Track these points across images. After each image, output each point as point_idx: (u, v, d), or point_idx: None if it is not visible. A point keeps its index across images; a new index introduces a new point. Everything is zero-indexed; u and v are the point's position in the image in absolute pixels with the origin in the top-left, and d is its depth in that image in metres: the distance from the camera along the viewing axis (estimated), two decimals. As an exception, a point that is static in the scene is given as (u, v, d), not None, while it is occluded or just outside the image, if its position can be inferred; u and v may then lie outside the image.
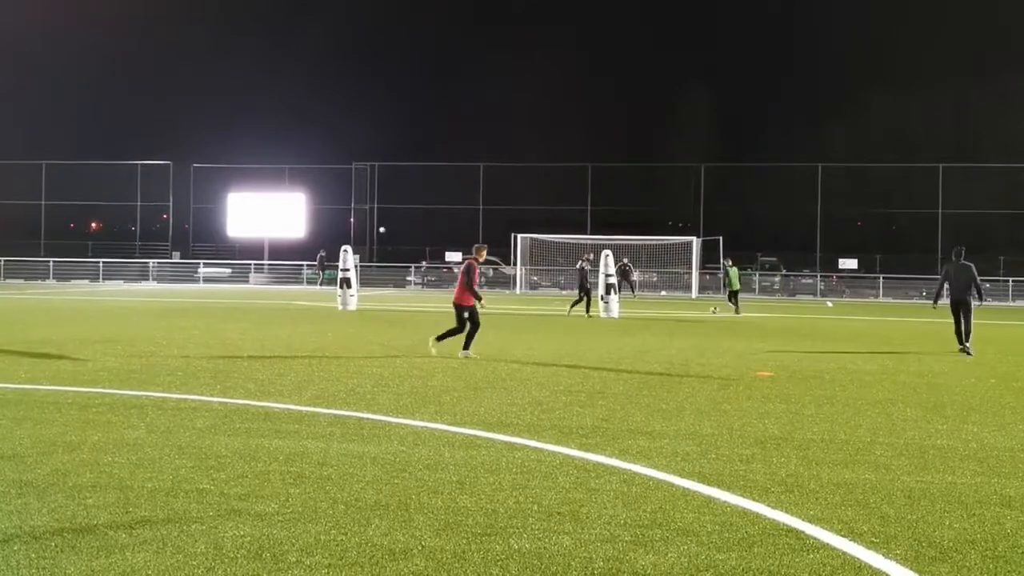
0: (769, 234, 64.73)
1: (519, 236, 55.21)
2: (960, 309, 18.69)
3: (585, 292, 30.65)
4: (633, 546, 5.88)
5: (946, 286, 19.28)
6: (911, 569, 5.58)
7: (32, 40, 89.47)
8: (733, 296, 33.74)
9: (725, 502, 6.99)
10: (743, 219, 64.23)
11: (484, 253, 17.48)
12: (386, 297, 44.67)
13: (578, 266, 32.26)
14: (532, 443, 9.01)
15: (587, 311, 30.27)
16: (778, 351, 18.91)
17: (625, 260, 42.48)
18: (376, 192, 69.11)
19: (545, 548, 5.81)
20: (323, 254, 56.75)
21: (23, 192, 69.59)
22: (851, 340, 22.81)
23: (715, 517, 6.57)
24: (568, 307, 31.80)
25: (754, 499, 7.06)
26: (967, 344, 18.52)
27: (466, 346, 16.83)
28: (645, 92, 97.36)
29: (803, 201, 63.04)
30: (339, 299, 32.56)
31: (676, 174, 71.15)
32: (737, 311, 33.32)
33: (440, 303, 39.35)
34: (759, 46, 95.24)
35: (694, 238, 54.93)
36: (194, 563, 5.42)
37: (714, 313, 34.12)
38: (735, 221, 61.94)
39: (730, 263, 34.94)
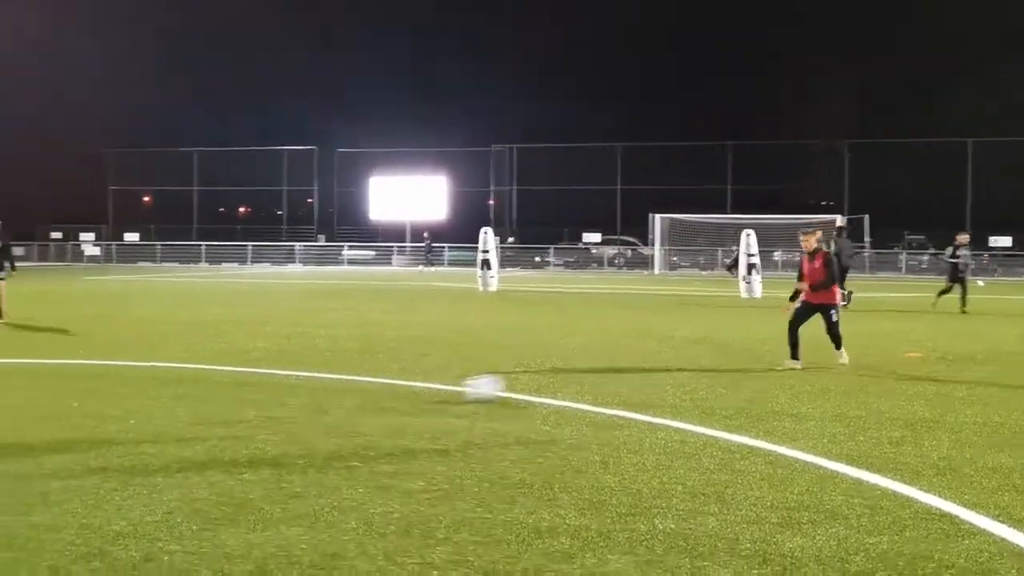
0: (916, 212, 62.67)
1: (657, 216, 54.76)
2: None
3: None
4: (780, 528, 5.81)
5: None
6: (1074, 557, 5.38)
7: (181, 32, 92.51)
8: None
9: (875, 485, 6.84)
10: (889, 196, 62.29)
11: (813, 239, 13.58)
12: (525, 278, 44.90)
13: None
14: (675, 424, 8.97)
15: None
16: (926, 331, 18.36)
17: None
18: (515, 174, 69.39)
19: (691, 529, 5.79)
20: (429, 239, 56.72)
21: (176, 179, 72.17)
22: (1004, 321, 22.00)
23: (864, 500, 6.44)
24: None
25: (905, 482, 6.89)
26: None
27: (795, 354, 13.03)
28: (785, 68, 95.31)
29: (952, 177, 60.91)
30: (479, 280, 32.87)
31: (819, 151, 69.52)
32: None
33: (577, 284, 39.35)
34: (902, 16, 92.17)
35: (838, 216, 53.59)
36: (345, 539, 5.57)
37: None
38: (881, 199, 60.14)
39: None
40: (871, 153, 66.18)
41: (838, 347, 13.19)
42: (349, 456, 7.56)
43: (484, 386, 10.20)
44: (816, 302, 13.20)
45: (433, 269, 52.60)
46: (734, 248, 30.93)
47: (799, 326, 13.12)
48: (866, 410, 9.83)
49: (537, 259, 59.77)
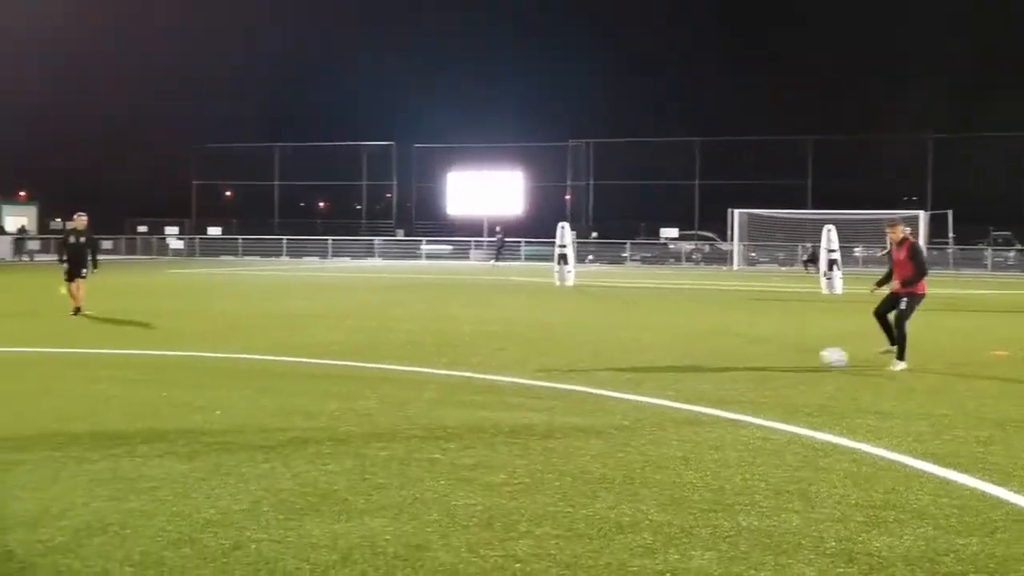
0: (1002, 207, 61.15)
1: (735, 211, 54.25)
2: None
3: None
4: (866, 527, 5.74)
5: None
6: None
7: (262, 30, 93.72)
8: None
9: (963, 485, 6.71)
10: (974, 192, 60.93)
11: (899, 230, 13.10)
12: (602, 273, 44.80)
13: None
14: (757, 420, 8.89)
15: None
16: (1013, 330, 17.95)
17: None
18: (592, 169, 69.23)
19: (774, 526, 5.74)
20: (501, 234, 56.33)
21: (258, 174, 73.26)
22: (1097, 318, 21.41)
23: (952, 500, 6.32)
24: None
25: (995, 483, 6.74)
26: None
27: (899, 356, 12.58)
28: (870, 61, 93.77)
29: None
30: (556, 275, 32.88)
31: (902, 146, 68.30)
32: None
33: (655, 279, 39.18)
34: (986, 10, 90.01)
35: (920, 212, 52.62)
36: (429, 530, 5.61)
37: None
38: (966, 194, 58.86)
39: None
40: (956, 148, 64.81)
41: (898, 355, 12.46)
42: (430, 448, 7.62)
43: (836, 355, 12.51)
44: (900, 294, 12.78)
45: (503, 264, 52.48)
46: (809, 244, 30.46)
47: (884, 313, 12.91)
48: (952, 409, 9.65)
49: (624, 255, 59.50)
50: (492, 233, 58.73)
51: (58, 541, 5.36)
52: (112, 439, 7.81)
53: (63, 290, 18.63)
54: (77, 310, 18.32)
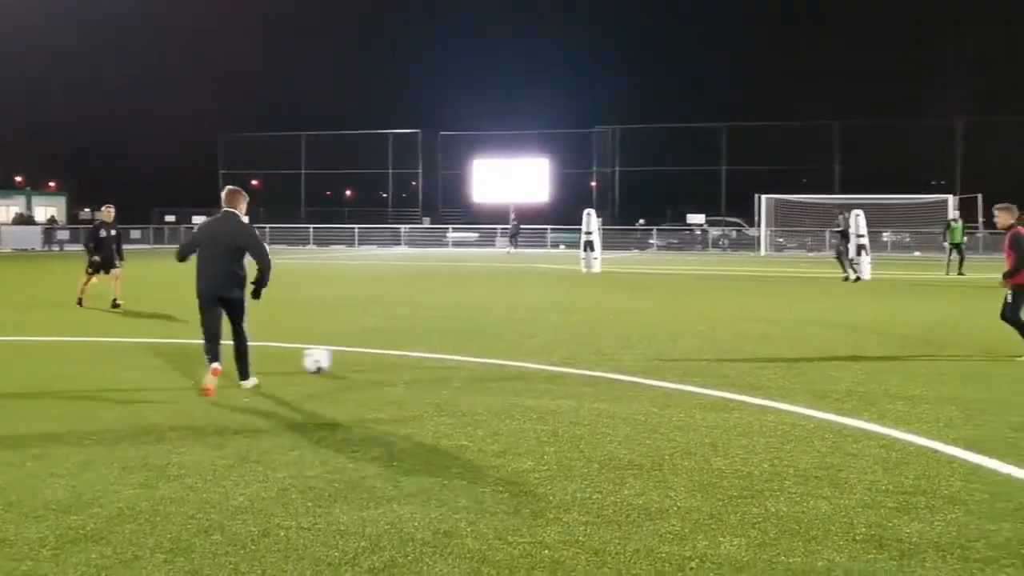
0: (1031, 191, 60.50)
1: (763, 197, 53.99)
2: None
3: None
4: (896, 513, 5.70)
5: None
6: None
7: (286, 19, 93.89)
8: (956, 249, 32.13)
9: (995, 471, 6.66)
10: (1004, 175, 60.32)
11: (1007, 216, 12.49)
12: (629, 260, 44.70)
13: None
14: (785, 406, 8.85)
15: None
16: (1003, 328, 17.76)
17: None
18: (617, 155, 69.05)
19: (803, 512, 5.71)
20: (516, 221, 56.31)
21: (284, 162, 73.50)
22: None
23: (984, 486, 6.27)
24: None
25: (1027, 469, 6.69)
26: None
27: None
28: (898, 44, 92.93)
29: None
30: (582, 262, 32.84)
31: (930, 130, 67.72)
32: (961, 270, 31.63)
33: (682, 266, 39.06)
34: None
35: (949, 196, 52.16)
36: (457, 516, 5.62)
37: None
38: (995, 177, 58.26)
39: (955, 217, 33.38)
40: (986, 131, 64.19)
41: None
42: (458, 435, 7.62)
43: (319, 355, 10.70)
44: (1007, 288, 12.11)
45: (518, 251, 52.50)
46: (838, 230, 30.17)
47: (1004, 315, 12.17)
48: (984, 394, 9.57)
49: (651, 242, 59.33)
50: (509, 219, 58.77)
51: (90, 528, 5.40)
52: (142, 427, 7.86)
53: (85, 281, 18.55)
54: (113, 303, 18.16)
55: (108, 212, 19.10)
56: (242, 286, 9.80)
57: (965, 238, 33.74)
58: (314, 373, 10.52)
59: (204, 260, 9.70)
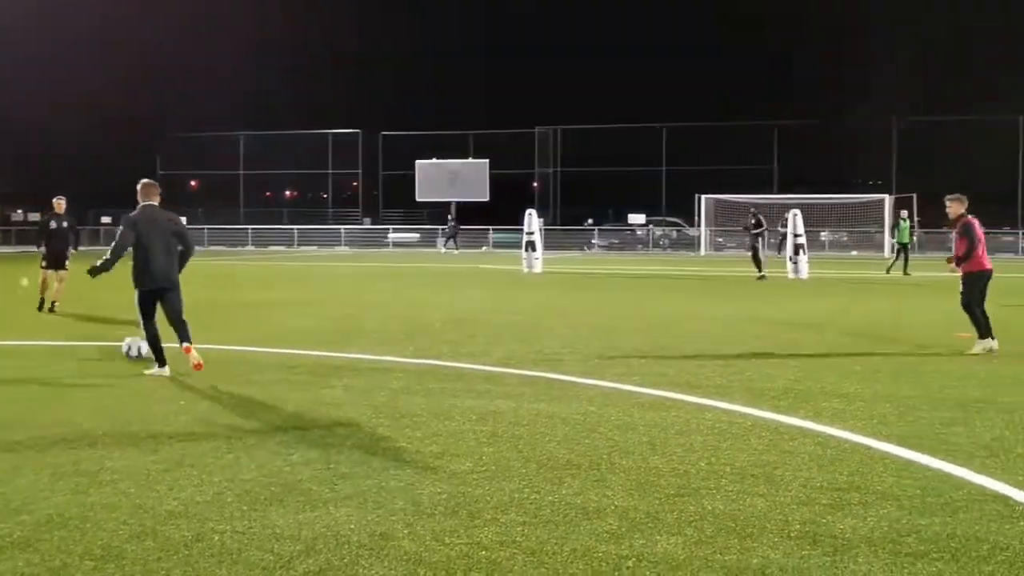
0: (966, 190, 61.56)
1: (703, 197, 54.42)
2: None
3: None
4: (831, 509, 5.76)
5: None
6: None
7: (224, 17, 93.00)
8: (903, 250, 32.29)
9: (926, 466, 6.76)
10: (938, 175, 61.37)
11: (957, 206, 13.17)
12: (570, 260, 44.83)
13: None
14: (722, 404, 8.92)
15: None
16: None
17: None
18: (559, 156, 69.25)
19: (740, 510, 5.76)
20: (454, 221, 56.65)
21: (223, 163, 72.74)
22: (1059, 300, 21.64)
23: (916, 481, 6.36)
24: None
25: (957, 463, 6.79)
26: None
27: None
28: (833, 44, 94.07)
29: (1003, 154, 59.97)
30: (524, 262, 32.89)
31: (867, 130, 68.74)
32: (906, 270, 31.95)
33: (622, 265, 39.25)
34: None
35: (886, 196, 52.96)
36: (394, 518, 5.59)
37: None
38: (930, 177, 59.24)
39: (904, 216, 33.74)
40: (921, 131, 65.30)
41: (980, 335, 12.57)
42: (396, 437, 7.58)
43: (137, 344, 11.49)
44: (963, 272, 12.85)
45: (457, 251, 52.73)
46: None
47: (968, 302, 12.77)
48: (916, 390, 9.71)
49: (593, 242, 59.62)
50: (448, 220, 58.81)
51: (16, 536, 5.29)
52: (75, 432, 7.73)
53: (25, 281, 18.21)
54: (51, 306, 17.56)
55: (59, 204, 18.30)
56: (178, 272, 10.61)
57: (914, 238, 34.03)
58: (135, 358, 11.20)
59: (148, 251, 10.25)
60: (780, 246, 35.47)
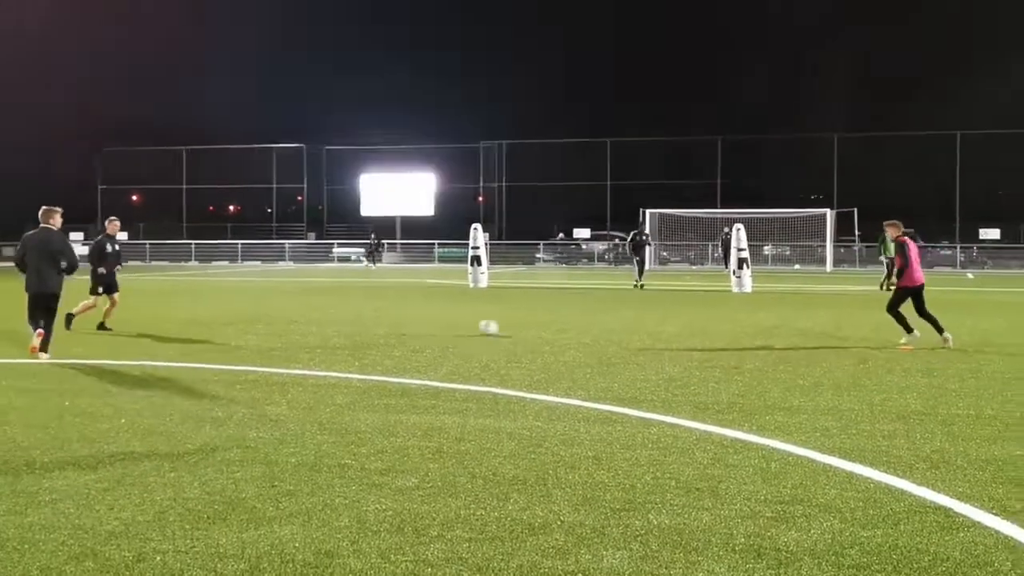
0: (905, 205, 62.57)
1: (647, 211, 54.80)
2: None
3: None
4: (775, 522, 5.81)
5: None
6: (1068, 548, 5.38)
7: (170, 30, 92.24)
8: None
9: (868, 478, 6.84)
10: (878, 190, 62.29)
11: (893, 229, 15.93)
12: (516, 274, 44.87)
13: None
14: (668, 419, 8.96)
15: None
16: (920, 323, 18.35)
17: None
18: (504, 170, 69.39)
19: (685, 524, 5.78)
20: (376, 237, 57.01)
21: (165, 177, 71.97)
22: (994, 313, 22.05)
23: (858, 493, 6.43)
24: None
25: (898, 475, 6.89)
26: None
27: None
28: (775, 61, 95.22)
29: (941, 170, 61.07)
30: (470, 276, 32.88)
31: (809, 145, 69.63)
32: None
33: (568, 280, 39.34)
34: (893, 9, 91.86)
35: (827, 210, 53.70)
36: (339, 536, 5.54)
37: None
38: (870, 192, 60.14)
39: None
40: (861, 146, 66.31)
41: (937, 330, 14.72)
42: (341, 454, 7.53)
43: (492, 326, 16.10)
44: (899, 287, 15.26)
45: (375, 267, 53.02)
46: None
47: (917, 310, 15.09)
48: (858, 403, 9.83)
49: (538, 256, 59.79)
50: (367, 236, 58.89)
51: (-48, 558, 5.18)
52: (12, 451, 7.59)
53: (91, 304, 17.28)
54: (104, 325, 17.13)
55: (113, 226, 17.87)
56: (60, 283, 13.40)
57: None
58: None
59: (32, 265, 13.26)
60: (724, 260, 35.92)
